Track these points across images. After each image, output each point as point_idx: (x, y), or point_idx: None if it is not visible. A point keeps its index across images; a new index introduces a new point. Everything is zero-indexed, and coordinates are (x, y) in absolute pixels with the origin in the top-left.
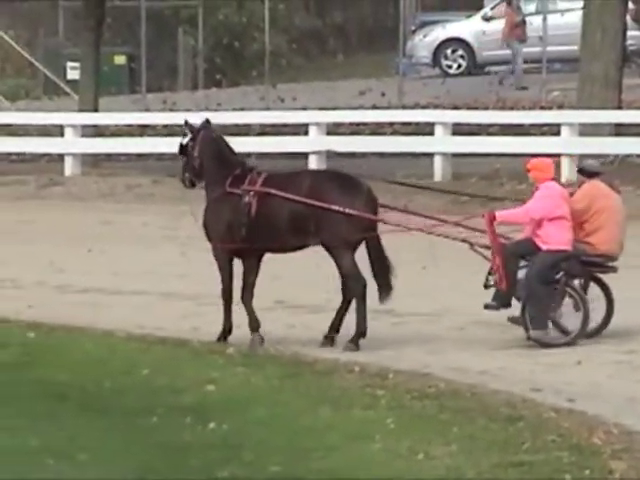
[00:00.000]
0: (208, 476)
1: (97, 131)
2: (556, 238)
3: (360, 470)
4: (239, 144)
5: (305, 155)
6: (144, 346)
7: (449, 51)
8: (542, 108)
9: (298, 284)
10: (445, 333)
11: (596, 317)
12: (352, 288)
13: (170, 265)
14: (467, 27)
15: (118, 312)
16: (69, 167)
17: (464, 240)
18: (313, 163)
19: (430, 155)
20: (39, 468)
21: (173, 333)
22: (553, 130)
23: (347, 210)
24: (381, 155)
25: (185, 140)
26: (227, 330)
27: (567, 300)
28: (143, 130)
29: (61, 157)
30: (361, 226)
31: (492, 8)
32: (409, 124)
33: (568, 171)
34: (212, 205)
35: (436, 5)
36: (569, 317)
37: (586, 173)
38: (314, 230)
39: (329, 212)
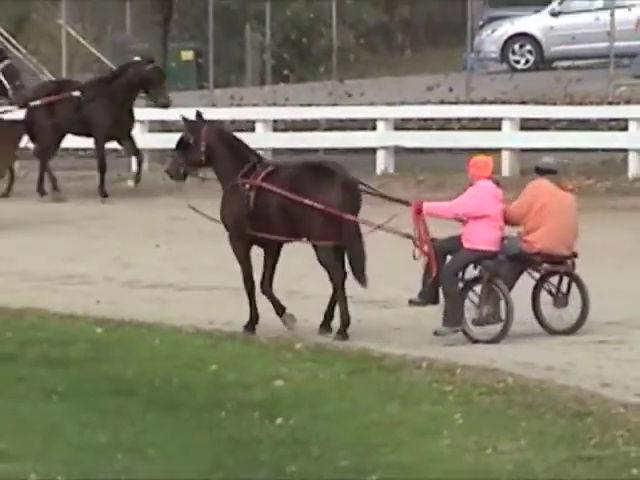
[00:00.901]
0: (277, 471)
1: (165, 126)
2: (477, 237)
3: (428, 465)
4: (306, 140)
5: (373, 150)
6: (212, 342)
7: (517, 46)
8: (609, 103)
9: (370, 278)
10: (513, 328)
11: (573, 314)
12: (331, 278)
13: (203, 255)
14: (535, 22)
15: (186, 308)
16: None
17: (408, 235)
18: (381, 159)
19: (498, 150)
20: (108, 463)
21: (241, 329)
22: (621, 125)
23: (314, 204)
24: (449, 150)
25: (186, 135)
26: (254, 319)
27: (547, 298)
28: None
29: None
30: (335, 218)
31: (560, 3)
32: (477, 119)
33: (636, 167)
34: (226, 197)
35: (504, 0)
36: (552, 314)
37: (539, 171)
38: (298, 223)
39: (305, 205)
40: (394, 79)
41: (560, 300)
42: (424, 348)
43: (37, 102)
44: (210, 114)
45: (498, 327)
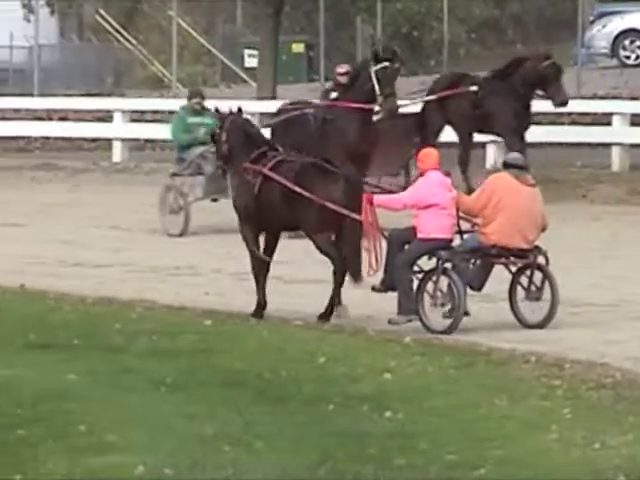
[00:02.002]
0: (385, 464)
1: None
2: (428, 227)
3: (536, 459)
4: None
5: (482, 145)
6: (321, 334)
7: (627, 42)
8: None
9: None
10: (622, 323)
11: (543, 308)
12: (334, 265)
13: None
14: None
15: (295, 300)
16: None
17: (383, 234)
18: (491, 153)
19: (608, 145)
20: (216, 455)
21: (349, 321)
22: None
23: (313, 197)
24: (559, 145)
25: (217, 128)
26: (262, 305)
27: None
28: None
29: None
30: (333, 214)
31: None
32: (587, 114)
33: None
34: (234, 182)
35: None
36: (526, 309)
37: (506, 165)
38: (296, 214)
39: (304, 199)
40: None
41: (532, 294)
42: (532, 342)
43: (432, 97)
44: None
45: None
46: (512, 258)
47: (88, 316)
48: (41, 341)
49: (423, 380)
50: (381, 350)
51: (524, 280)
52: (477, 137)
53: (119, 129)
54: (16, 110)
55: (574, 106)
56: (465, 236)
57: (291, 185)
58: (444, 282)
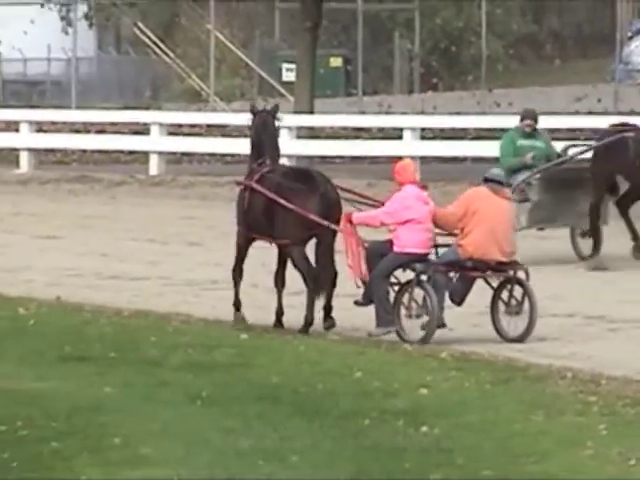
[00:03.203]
0: (421, 479)
1: (312, 133)
2: (404, 241)
3: (572, 475)
4: (454, 148)
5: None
6: (358, 349)
7: None
8: None
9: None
10: None
11: (521, 322)
12: (305, 280)
13: None
14: None
15: (333, 315)
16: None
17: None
18: None
19: None
20: (251, 469)
21: (385, 337)
22: None
23: (287, 205)
24: None
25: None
26: (237, 306)
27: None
28: (358, 133)
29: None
30: (309, 225)
31: None
32: None
33: None
34: (239, 191)
35: None
36: (507, 323)
37: (485, 180)
38: (274, 225)
39: (281, 210)
40: (542, 89)
41: (512, 308)
42: (569, 358)
43: None
44: (358, 121)
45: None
46: (489, 272)
47: (124, 329)
48: (76, 354)
49: (459, 395)
50: (417, 365)
51: (505, 294)
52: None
53: (156, 142)
54: (53, 122)
55: (612, 122)
56: (443, 250)
57: (272, 195)
58: (419, 294)
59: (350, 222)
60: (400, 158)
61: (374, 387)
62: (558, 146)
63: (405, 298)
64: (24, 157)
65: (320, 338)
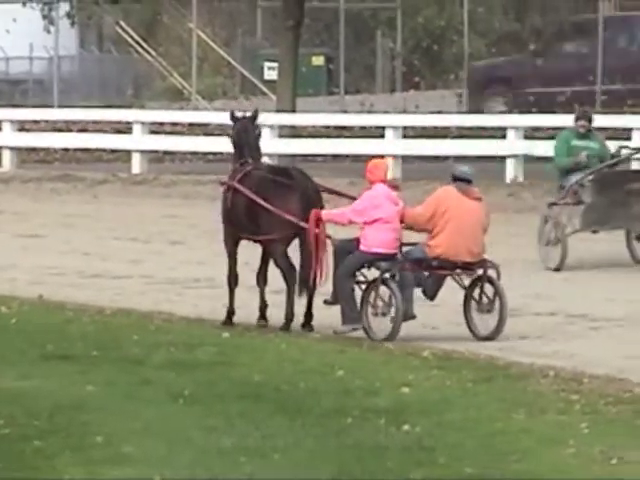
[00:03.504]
0: (402, 478)
1: (294, 132)
2: (372, 240)
3: (554, 474)
4: (436, 147)
5: (502, 158)
6: (339, 347)
7: None
8: None
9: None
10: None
11: (492, 320)
12: (285, 278)
13: None
14: None
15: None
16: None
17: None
18: (510, 167)
19: None
20: (233, 468)
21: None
22: None
23: (266, 205)
24: None
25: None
26: (231, 313)
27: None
28: (340, 132)
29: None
30: (290, 224)
31: None
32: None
33: None
34: (223, 191)
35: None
36: (483, 320)
37: (454, 178)
38: (257, 224)
39: (262, 210)
40: None
41: (483, 307)
42: (551, 357)
43: None
44: (340, 120)
45: (389, 326)
46: (458, 271)
47: (106, 327)
48: (59, 352)
49: (441, 394)
50: (399, 363)
51: (476, 292)
52: (498, 151)
53: (138, 141)
54: (36, 121)
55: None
56: (409, 248)
57: (252, 196)
58: (385, 292)
59: (319, 219)
60: (382, 156)
61: (356, 385)
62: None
63: (371, 296)
64: (6, 156)
65: (301, 337)
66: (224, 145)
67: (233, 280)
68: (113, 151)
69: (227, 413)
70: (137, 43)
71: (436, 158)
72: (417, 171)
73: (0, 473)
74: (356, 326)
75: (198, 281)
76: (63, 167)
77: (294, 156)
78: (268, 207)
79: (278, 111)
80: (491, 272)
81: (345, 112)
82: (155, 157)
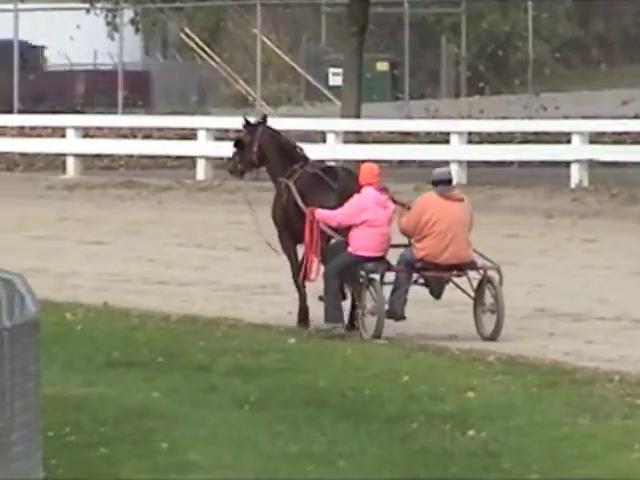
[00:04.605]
0: None
1: (359, 138)
2: (358, 243)
3: (620, 478)
4: (501, 152)
5: (567, 164)
6: (404, 352)
7: None
8: None
9: (560, 292)
10: None
11: (489, 322)
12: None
13: None
14: None
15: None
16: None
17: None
18: (575, 172)
19: None
20: (299, 474)
21: (432, 340)
22: None
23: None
24: None
25: (242, 135)
26: (304, 312)
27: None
28: (405, 137)
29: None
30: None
31: None
32: None
33: None
34: (276, 196)
35: None
36: (486, 321)
37: (434, 182)
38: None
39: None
40: (589, 93)
41: (486, 307)
42: (616, 362)
43: None
44: (405, 126)
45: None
46: (446, 273)
47: (172, 334)
48: (124, 359)
49: (506, 399)
50: (464, 369)
51: (480, 294)
52: (562, 156)
53: (203, 147)
54: (100, 128)
55: None
56: (404, 250)
57: (296, 197)
58: (372, 292)
59: (313, 217)
60: (447, 162)
61: (421, 391)
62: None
63: (359, 297)
64: (71, 162)
65: (366, 342)
66: None
67: (299, 278)
68: (178, 158)
69: (293, 419)
70: (201, 49)
71: (501, 163)
72: (482, 176)
73: None
74: (337, 325)
75: (264, 287)
76: (127, 173)
77: (359, 162)
78: (302, 208)
79: (343, 117)
80: (493, 274)
81: (410, 118)
82: (220, 163)
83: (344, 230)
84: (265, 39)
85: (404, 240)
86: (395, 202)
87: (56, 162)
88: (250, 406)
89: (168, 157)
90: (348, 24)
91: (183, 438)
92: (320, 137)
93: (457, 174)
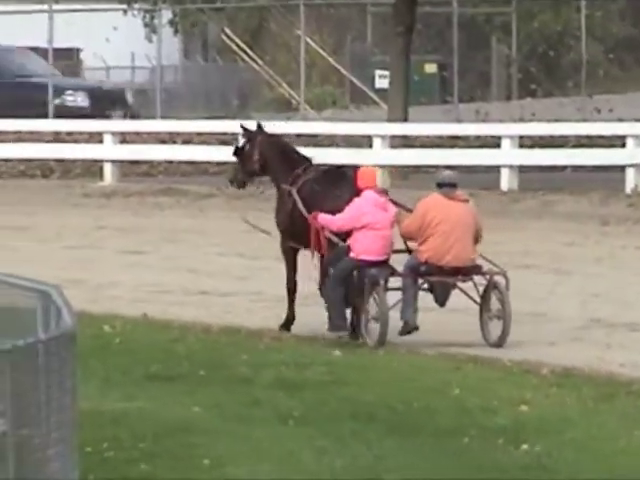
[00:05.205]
0: None
1: (406, 142)
2: (359, 247)
3: None
4: (554, 157)
5: (622, 168)
6: (454, 364)
7: None
8: None
9: (616, 302)
10: None
11: (496, 328)
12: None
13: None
14: None
15: (426, 330)
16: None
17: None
18: (630, 176)
19: None
20: None
21: (484, 352)
22: None
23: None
24: None
25: (241, 143)
26: (290, 319)
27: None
28: (454, 141)
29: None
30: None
31: None
32: None
33: None
34: (278, 201)
35: None
36: (492, 327)
37: (438, 185)
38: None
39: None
40: None
41: (492, 313)
42: None
43: None
44: (454, 129)
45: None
46: (451, 277)
47: (213, 346)
48: (164, 372)
49: (561, 412)
50: (517, 381)
51: (486, 299)
52: (617, 160)
53: None
54: (138, 133)
55: None
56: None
57: (300, 206)
58: (375, 298)
59: (317, 221)
60: (498, 167)
61: (473, 404)
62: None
63: (364, 303)
64: (108, 169)
65: (414, 354)
66: (333, 156)
67: (292, 286)
68: (219, 164)
69: (338, 434)
70: (243, 51)
71: (554, 168)
72: (534, 181)
73: None
74: (341, 333)
75: (307, 298)
76: (167, 180)
77: (406, 167)
78: (305, 214)
79: (389, 120)
80: (499, 279)
81: (459, 121)
82: None
83: (345, 235)
84: (309, 40)
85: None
86: (396, 204)
87: (93, 169)
88: (294, 420)
89: (209, 163)
90: (394, 24)
91: (225, 454)
92: (366, 142)
93: (508, 179)
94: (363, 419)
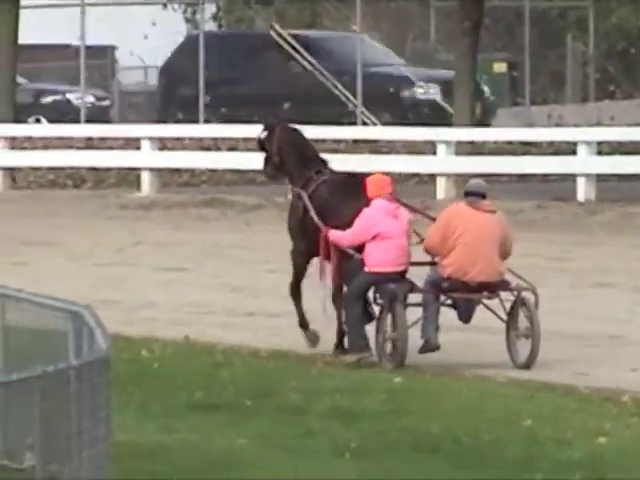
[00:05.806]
0: None
1: (473, 148)
2: (371, 259)
3: None
4: (634, 164)
5: None
6: (527, 393)
7: None
8: None
9: None
10: None
11: (524, 349)
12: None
13: (556, 300)
14: None
15: (492, 353)
16: (441, 189)
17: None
18: None
19: None
20: None
21: (558, 378)
22: None
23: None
24: None
25: (263, 135)
26: (305, 326)
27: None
28: (526, 148)
29: (432, 177)
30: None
31: None
32: None
33: None
34: (291, 205)
35: None
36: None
37: (466, 194)
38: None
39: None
40: None
41: (520, 332)
42: None
43: None
44: (525, 135)
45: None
46: (476, 294)
47: (261, 372)
48: (207, 400)
49: None
50: (595, 410)
51: (513, 317)
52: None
53: None
54: (179, 139)
55: None
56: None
57: (311, 212)
58: (393, 316)
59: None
60: (573, 176)
61: (546, 436)
62: None
63: (382, 322)
64: (146, 178)
65: (483, 380)
66: (395, 164)
67: (295, 292)
68: None
69: (399, 468)
70: (294, 49)
71: (635, 177)
72: (613, 191)
73: None
74: (363, 355)
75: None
76: (210, 190)
77: (473, 176)
78: (319, 225)
79: (455, 125)
80: (528, 295)
81: (531, 126)
82: None
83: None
84: (366, 37)
85: (426, 257)
86: (415, 211)
87: (129, 178)
88: (351, 453)
89: (256, 172)
90: (460, 20)
91: None
92: (430, 148)
93: (585, 189)
94: (426, 452)
